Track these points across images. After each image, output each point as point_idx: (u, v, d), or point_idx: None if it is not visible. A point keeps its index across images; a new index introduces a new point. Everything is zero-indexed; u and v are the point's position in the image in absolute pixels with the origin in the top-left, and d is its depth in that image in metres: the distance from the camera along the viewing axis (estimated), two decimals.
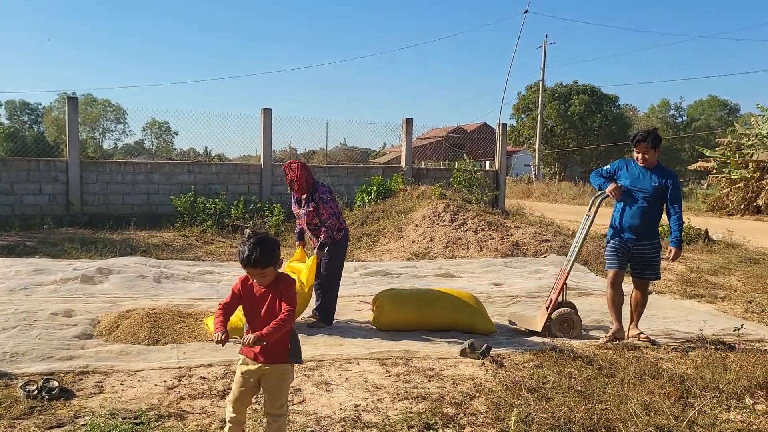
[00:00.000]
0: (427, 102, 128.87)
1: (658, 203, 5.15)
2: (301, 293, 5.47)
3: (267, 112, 14.25)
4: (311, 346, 4.99)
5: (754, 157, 22.15)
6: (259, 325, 2.90)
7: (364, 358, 4.72)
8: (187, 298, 6.65)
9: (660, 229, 5.38)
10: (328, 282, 5.72)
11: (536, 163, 40.25)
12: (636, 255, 5.24)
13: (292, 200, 5.88)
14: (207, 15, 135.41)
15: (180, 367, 4.37)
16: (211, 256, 9.79)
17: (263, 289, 2.96)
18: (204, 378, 4.17)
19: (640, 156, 5.18)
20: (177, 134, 57.19)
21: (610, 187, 5.20)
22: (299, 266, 5.67)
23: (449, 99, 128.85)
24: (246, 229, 12.13)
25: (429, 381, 4.23)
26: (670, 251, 5.16)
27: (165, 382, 4.09)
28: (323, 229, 5.58)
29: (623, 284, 5.40)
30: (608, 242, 5.36)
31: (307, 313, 5.82)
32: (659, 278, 5.46)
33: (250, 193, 14.01)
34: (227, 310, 3.00)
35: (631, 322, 5.43)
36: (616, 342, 5.10)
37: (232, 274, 8.07)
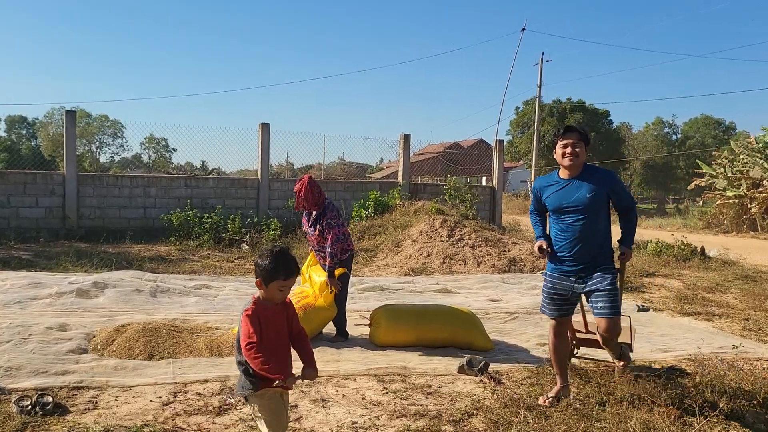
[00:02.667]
0: (424, 118, 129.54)
1: (601, 215, 3.97)
2: (326, 310, 5.59)
3: (265, 127, 14.29)
4: None
5: (749, 175, 22.27)
6: (277, 348, 2.87)
7: (362, 374, 4.69)
8: (183, 312, 6.60)
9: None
10: (336, 298, 5.71)
11: (533, 179, 40.37)
12: (588, 287, 3.96)
13: (304, 215, 5.86)
14: (204, 29, 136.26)
15: (176, 383, 4.33)
16: (207, 270, 9.75)
17: (276, 311, 2.91)
18: (200, 394, 4.13)
19: (568, 151, 3.92)
20: (175, 150, 57.21)
21: (536, 247, 4.18)
22: (316, 279, 5.70)
23: (447, 115, 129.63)
24: (243, 244, 12.11)
25: (427, 398, 4.20)
26: (623, 253, 4.20)
27: (160, 398, 4.05)
28: (327, 253, 5.51)
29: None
30: (545, 277, 4.19)
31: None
32: (619, 314, 3.95)
33: (247, 207, 14.01)
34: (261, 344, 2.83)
35: (612, 353, 4.51)
36: (558, 402, 4.03)
37: (228, 289, 8.04)
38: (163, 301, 7.17)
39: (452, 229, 11.48)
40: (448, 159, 34.18)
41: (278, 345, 2.85)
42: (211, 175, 19.97)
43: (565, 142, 3.95)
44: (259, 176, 14.30)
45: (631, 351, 4.74)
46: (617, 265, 4.15)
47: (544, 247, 4.10)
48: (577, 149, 3.93)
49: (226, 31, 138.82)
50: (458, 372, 4.76)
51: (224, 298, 7.46)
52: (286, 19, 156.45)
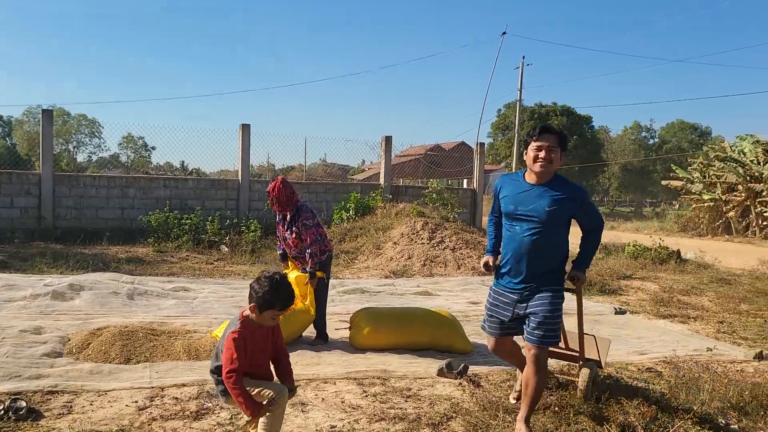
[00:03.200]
0: (406, 120, 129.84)
1: (560, 232, 3.52)
2: (305, 314, 5.57)
3: (245, 128, 14.21)
4: None
5: (724, 179, 22.68)
6: (260, 365, 2.90)
7: (341, 377, 4.67)
8: (161, 315, 6.53)
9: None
10: (316, 301, 5.69)
11: None
12: (530, 309, 3.52)
13: (277, 218, 5.82)
14: (185, 32, 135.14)
15: (152, 387, 4.28)
16: (186, 272, 9.65)
17: (262, 330, 2.93)
18: (177, 398, 4.09)
19: (542, 155, 3.44)
20: (154, 149, 56.53)
21: (483, 261, 3.80)
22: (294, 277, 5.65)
23: (429, 117, 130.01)
24: (223, 245, 12.02)
25: (406, 401, 4.20)
26: (573, 274, 3.69)
27: (136, 402, 4.00)
28: (308, 254, 5.50)
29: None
30: (490, 291, 3.77)
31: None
32: (557, 341, 3.59)
33: (227, 208, 13.91)
34: (243, 375, 2.84)
35: (522, 407, 3.57)
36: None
37: (207, 291, 7.97)
38: (140, 304, 7.09)
39: (433, 231, 11.52)
40: (429, 161, 34.29)
41: (261, 362, 2.88)
42: (190, 176, 19.79)
43: (539, 144, 3.44)
44: (240, 177, 14.21)
45: (601, 368, 4.45)
46: (570, 286, 3.75)
47: (491, 263, 3.69)
48: (552, 154, 3.43)
49: (211, 33, 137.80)
50: (438, 375, 4.77)
51: (203, 301, 7.40)
52: (276, 21, 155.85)
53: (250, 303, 2.87)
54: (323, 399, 4.21)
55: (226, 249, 11.82)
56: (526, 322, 3.52)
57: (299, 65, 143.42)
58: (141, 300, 7.30)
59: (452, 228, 11.83)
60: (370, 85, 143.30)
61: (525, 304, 3.54)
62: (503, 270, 3.64)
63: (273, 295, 2.81)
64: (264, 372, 2.99)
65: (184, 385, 4.34)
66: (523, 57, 41.92)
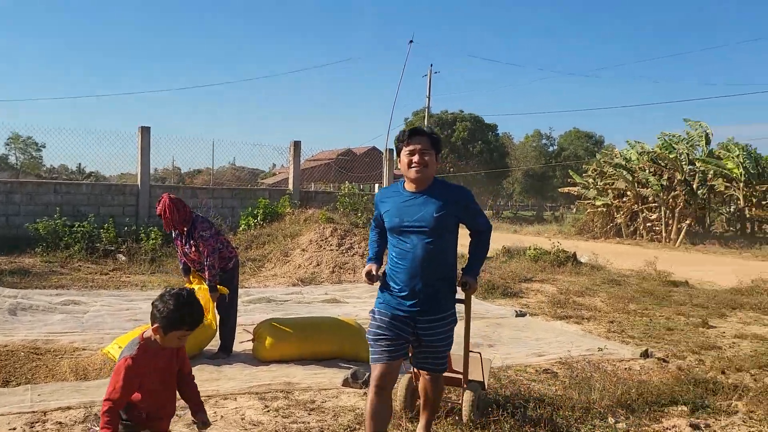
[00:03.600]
0: (318, 124, 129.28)
1: (449, 240, 3.27)
2: (209, 329, 5.31)
3: (145, 131, 13.56)
4: None
5: (614, 185, 24.23)
6: (160, 394, 2.64)
7: (242, 392, 4.52)
8: (47, 332, 6.07)
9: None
10: (223, 312, 5.51)
11: None
12: (421, 334, 3.22)
13: (177, 239, 5.51)
14: (84, 32, 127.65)
15: (33, 412, 3.95)
16: (77, 283, 9.04)
17: (165, 353, 2.66)
18: (61, 423, 3.79)
19: (415, 159, 3.19)
20: (44, 147, 52.72)
21: (365, 270, 3.35)
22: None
23: (340, 122, 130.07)
24: (119, 254, 11.38)
25: (309, 414, 4.12)
26: (464, 281, 3.39)
27: (14, 429, 3.68)
28: (206, 266, 5.27)
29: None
30: (373, 314, 3.32)
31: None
32: (444, 370, 3.45)
33: (125, 215, 13.20)
34: (119, 413, 2.53)
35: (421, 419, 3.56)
36: None
37: (100, 304, 7.50)
38: (23, 320, 6.55)
39: (342, 237, 11.48)
40: (340, 166, 34.27)
41: (162, 391, 2.63)
42: (85, 181, 18.63)
43: (411, 148, 3.20)
44: (139, 182, 13.53)
45: (484, 389, 4.12)
46: (461, 295, 3.48)
47: (373, 271, 3.29)
48: (426, 157, 3.19)
49: (110, 33, 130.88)
50: (343, 385, 4.72)
51: (95, 315, 6.95)
52: (182, 25, 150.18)
53: (152, 324, 2.59)
54: (222, 417, 4.05)
55: (123, 258, 11.21)
56: (419, 347, 3.27)
57: (207, 69, 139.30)
58: (25, 315, 6.75)
59: (361, 234, 11.85)
60: (280, 90, 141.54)
61: (419, 328, 3.21)
62: (393, 289, 3.23)
63: (180, 313, 2.54)
64: (167, 412, 2.74)
65: (69, 408, 4.04)
66: (431, 65, 42.92)
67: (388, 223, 3.30)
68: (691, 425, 4.09)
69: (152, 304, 2.64)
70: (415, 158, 3.19)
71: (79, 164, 37.05)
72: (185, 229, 5.37)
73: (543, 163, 54.85)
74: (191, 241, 5.35)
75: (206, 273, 5.28)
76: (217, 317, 5.44)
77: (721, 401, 4.56)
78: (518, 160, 55.96)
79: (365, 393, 4.56)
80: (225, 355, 5.52)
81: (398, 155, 3.31)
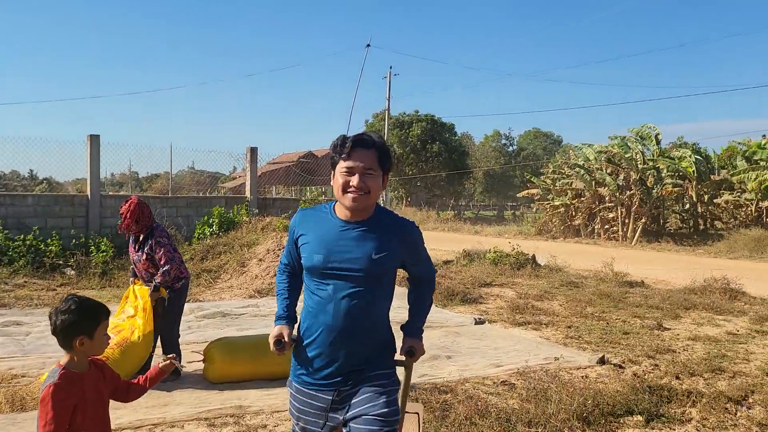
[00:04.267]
0: (278, 127, 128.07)
1: (386, 289, 2.49)
2: (136, 344, 4.99)
3: (94, 139, 13.09)
4: (130, 410, 4.47)
5: (573, 186, 24.61)
6: (103, 422, 2.44)
7: (191, 419, 4.33)
8: None
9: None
10: (167, 333, 5.34)
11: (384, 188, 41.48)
12: (357, 411, 2.35)
13: (131, 241, 5.44)
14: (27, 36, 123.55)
15: None
16: (21, 302, 8.64)
17: (90, 378, 2.45)
18: None
19: (354, 182, 2.35)
20: None
21: (272, 336, 2.48)
22: (127, 320, 5.13)
23: (300, 125, 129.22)
24: (68, 268, 10.95)
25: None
26: (409, 346, 2.54)
27: None
28: (161, 272, 5.15)
29: None
30: (290, 389, 2.53)
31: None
32: None
33: (75, 226, 12.70)
34: None
35: None
36: None
37: (44, 324, 7.14)
38: None
39: None
40: (302, 169, 33.97)
41: (103, 418, 2.43)
42: (30, 192, 17.95)
43: (350, 165, 2.34)
44: (89, 192, 13.05)
45: None
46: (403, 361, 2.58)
47: (285, 338, 2.46)
48: (369, 181, 2.34)
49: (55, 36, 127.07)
50: None
51: (38, 337, 6.62)
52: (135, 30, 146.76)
53: (72, 341, 2.33)
54: None
55: (72, 272, 10.78)
56: (353, 428, 2.33)
57: (163, 73, 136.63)
58: None
59: None
60: (236, 94, 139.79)
61: (346, 405, 2.36)
62: (309, 352, 2.40)
63: (89, 303, 2.36)
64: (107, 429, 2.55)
65: None
66: (390, 67, 42.92)
67: (307, 261, 2.41)
68: None
69: (56, 327, 2.36)
70: (355, 181, 2.32)
71: (31, 170, 35.83)
72: (142, 235, 5.27)
73: (503, 163, 55.51)
74: (145, 248, 5.22)
75: (159, 276, 5.13)
76: (148, 326, 5.12)
77: (676, 409, 4.59)
78: (479, 160, 56.50)
79: None
80: (174, 377, 5.30)
81: (333, 169, 2.42)
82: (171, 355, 2.83)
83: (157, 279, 5.14)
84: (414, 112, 47.14)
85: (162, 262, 5.16)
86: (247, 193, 15.07)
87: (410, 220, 2.56)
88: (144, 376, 2.71)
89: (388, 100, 41.05)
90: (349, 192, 2.35)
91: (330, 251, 2.37)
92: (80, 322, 2.34)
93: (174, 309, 5.34)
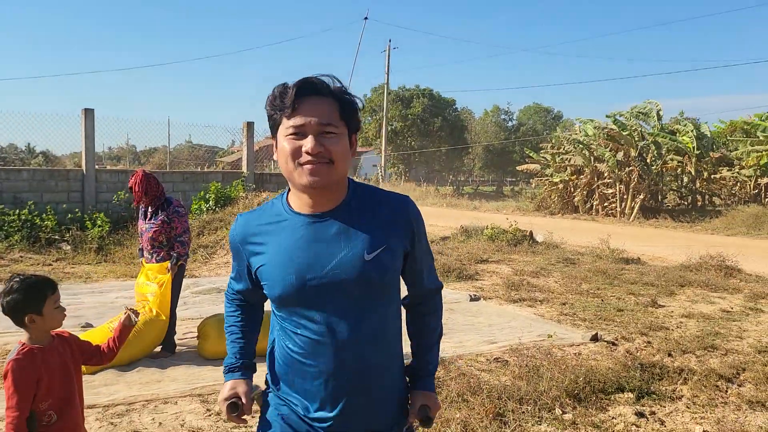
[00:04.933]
0: None
1: (394, 302, 1.77)
2: (157, 321, 5.11)
3: (89, 113, 12.98)
4: (124, 386, 4.51)
5: (572, 162, 24.51)
6: (71, 397, 2.43)
7: (184, 395, 4.36)
8: None
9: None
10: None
11: (382, 164, 41.31)
12: None
13: (140, 212, 5.47)
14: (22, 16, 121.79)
15: None
16: None
17: (54, 353, 2.47)
18: None
19: (309, 146, 1.59)
20: None
21: (222, 397, 1.86)
22: (149, 288, 5.21)
23: None
24: (64, 243, 10.94)
25: (253, 417, 3.97)
26: (422, 406, 1.82)
27: None
28: (176, 244, 5.23)
29: None
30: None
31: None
32: None
33: (70, 201, 12.66)
34: (26, 421, 2.30)
35: None
36: None
37: None
38: None
39: None
40: None
41: (67, 394, 2.44)
42: (26, 167, 17.85)
43: (298, 122, 1.61)
44: (84, 167, 12.99)
45: None
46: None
47: (242, 399, 1.82)
48: (329, 143, 1.62)
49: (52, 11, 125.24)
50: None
51: None
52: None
53: (23, 321, 2.35)
54: (161, 423, 3.88)
55: (68, 247, 10.78)
56: None
57: (160, 48, 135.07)
58: None
59: None
60: (235, 69, 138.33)
61: None
62: (294, 408, 1.73)
63: (33, 279, 2.35)
64: (71, 412, 2.56)
65: None
66: (390, 41, 42.46)
67: (274, 290, 1.67)
68: (636, 413, 4.11)
69: (4, 309, 2.36)
70: (308, 144, 1.59)
71: (29, 144, 35.65)
72: (152, 207, 5.32)
73: (503, 139, 55.26)
74: (158, 218, 5.25)
75: (178, 247, 5.24)
76: (164, 301, 5.18)
77: (667, 386, 4.61)
78: (478, 135, 56.24)
79: None
80: (168, 353, 5.33)
81: (274, 136, 1.70)
82: (129, 308, 2.75)
83: (177, 249, 5.25)
84: (415, 87, 46.81)
85: (179, 231, 5.27)
86: (244, 169, 15.00)
87: (403, 194, 1.80)
88: (111, 337, 2.70)
89: (387, 74, 40.70)
90: (301, 163, 1.60)
91: (303, 265, 1.63)
92: (26, 301, 2.35)
93: (176, 284, 5.37)
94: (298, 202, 1.71)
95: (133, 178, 5.31)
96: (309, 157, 1.60)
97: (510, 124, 59.82)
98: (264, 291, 1.76)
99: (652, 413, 4.16)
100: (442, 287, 1.94)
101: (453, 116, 47.29)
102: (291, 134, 1.63)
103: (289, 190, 1.75)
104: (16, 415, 2.27)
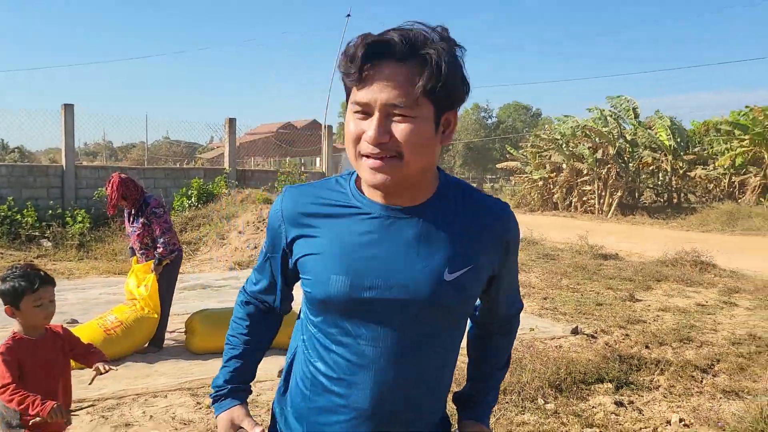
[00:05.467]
0: (259, 97, 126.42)
1: (460, 336, 1.37)
2: (148, 319, 5.16)
3: (68, 108, 12.86)
4: (112, 380, 4.52)
5: (551, 159, 24.83)
6: (48, 391, 2.43)
7: (173, 389, 4.40)
8: None
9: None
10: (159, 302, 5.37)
11: None
12: None
13: (125, 214, 5.46)
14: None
15: None
16: None
17: (44, 345, 2.52)
18: None
19: (372, 132, 1.17)
20: None
21: (223, 428, 1.48)
22: (138, 290, 5.26)
23: (280, 95, 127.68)
24: (44, 240, 10.84)
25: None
26: None
27: None
28: (159, 244, 5.20)
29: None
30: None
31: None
32: None
33: (50, 197, 12.53)
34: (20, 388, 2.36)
35: None
36: None
37: None
38: None
39: None
40: (281, 139, 33.74)
41: (49, 388, 2.49)
42: (8, 157, 17.59)
43: (364, 98, 1.20)
44: (63, 163, 12.86)
45: None
46: None
47: (246, 427, 1.46)
48: (397, 130, 1.19)
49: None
50: (278, 376, 4.66)
51: None
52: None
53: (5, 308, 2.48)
54: (151, 416, 3.93)
55: (49, 243, 10.68)
56: None
57: (137, 42, 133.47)
58: None
59: None
60: (215, 63, 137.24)
61: None
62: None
63: (13, 279, 2.42)
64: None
65: None
66: None
67: (318, 289, 1.31)
68: (615, 402, 4.26)
69: None
70: (370, 130, 1.20)
71: (2, 139, 35.09)
72: (134, 208, 5.29)
73: (483, 136, 55.66)
74: (141, 218, 5.23)
75: (160, 248, 5.18)
76: (150, 301, 5.23)
77: (644, 377, 4.77)
78: (458, 132, 56.58)
79: None
80: (156, 348, 5.36)
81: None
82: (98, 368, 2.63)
83: (159, 251, 5.19)
84: None
85: (158, 233, 5.20)
86: (226, 165, 14.97)
87: (502, 200, 1.42)
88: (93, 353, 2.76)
89: None
90: (361, 153, 1.23)
91: (364, 268, 1.27)
92: (3, 294, 2.44)
93: (170, 279, 5.41)
94: (371, 189, 1.29)
95: (109, 184, 5.19)
96: (369, 148, 1.20)
97: (490, 121, 60.27)
98: (304, 288, 1.33)
99: (631, 402, 4.31)
100: (522, 308, 1.58)
101: None
102: (356, 112, 1.23)
103: (353, 173, 1.37)
104: (12, 388, 2.33)
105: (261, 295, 1.52)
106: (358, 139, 1.22)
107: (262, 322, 1.56)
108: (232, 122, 15.23)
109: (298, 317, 1.47)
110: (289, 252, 1.38)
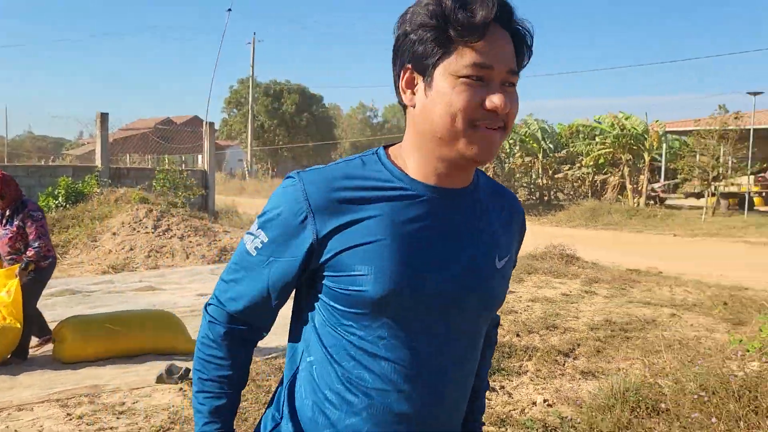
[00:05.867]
0: (137, 91, 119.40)
1: (484, 332, 1.23)
2: (10, 329, 4.78)
3: None
4: None
5: None
6: None
7: (41, 401, 4.13)
8: None
9: None
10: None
11: (248, 159, 40.55)
12: None
13: None
14: None
15: None
16: None
17: None
18: None
19: (497, 98, 1.02)
20: None
21: None
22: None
23: (160, 90, 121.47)
24: None
25: (118, 419, 3.89)
26: None
27: None
28: (32, 248, 4.89)
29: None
30: None
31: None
32: None
33: None
34: None
35: None
36: None
37: None
38: None
39: (158, 219, 10.84)
40: (159, 136, 32.20)
41: None
42: None
43: (485, 59, 1.03)
44: None
45: None
46: None
47: None
48: (513, 101, 1.06)
49: None
50: (157, 382, 4.51)
51: None
52: None
53: None
54: (16, 431, 3.67)
55: None
56: None
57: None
58: None
59: (180, 214, 11.29)
60: (87, 54, 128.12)
61: None
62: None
63: None
64: None
65: None
66: (254, 33, 41.73)
67: (377, 286, 1.06)
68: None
69: None
70: (498, 98, 1.04)
71: None
72: (9, 210, 4.95)
73: (369, 135, 56.48)
74: (14, 223, 4.91)
75: (31, 252, 4.87)
76: (15, 309, 4.87)
77: (515, 363, 5.14)
78: (345, 131, 57.01)
79: (181, 388, 4.41)
80: (20, 359, 4.99)
81: (414, 71, 1.10)
82: None
83: (29, 254, 4.90)
84: (286, 82, 46.34)
85: (32, 237, 4.92)
86: (98, 162, 14.09)
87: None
88: None
89: (252, 67, 40.05)
90: (478, 124, 1.06)
91: (419, 258, 1.09)
92: None
93: (38, 286, 5.13)
94: (421, 168, 1.12)
95: None
96: (493, 119, 1.05)
97: (375, 121, 61.29)
98: (342, 290, 1.08)
99: (502, 387, 4.63)
100: (499, 320, 1.50)
101: (320, 112, 47.48)
102: (470, 76, 1.04)
103: (386, 147, 1.20)
104: None
105: (247, 314, 1.17)
106: (474, 108, 1.04)
107: (245, 356, 1.22)
108: (104, 117, 14.35)
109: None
110: (318, 250, 1.08)
